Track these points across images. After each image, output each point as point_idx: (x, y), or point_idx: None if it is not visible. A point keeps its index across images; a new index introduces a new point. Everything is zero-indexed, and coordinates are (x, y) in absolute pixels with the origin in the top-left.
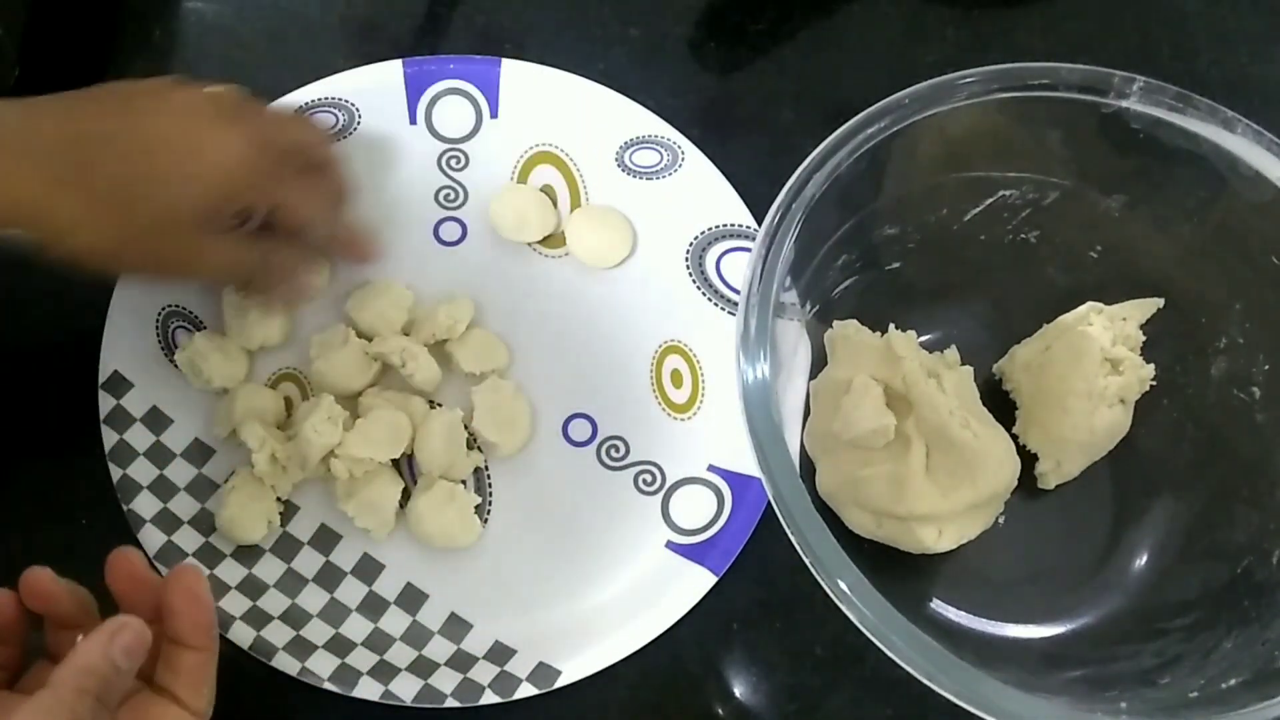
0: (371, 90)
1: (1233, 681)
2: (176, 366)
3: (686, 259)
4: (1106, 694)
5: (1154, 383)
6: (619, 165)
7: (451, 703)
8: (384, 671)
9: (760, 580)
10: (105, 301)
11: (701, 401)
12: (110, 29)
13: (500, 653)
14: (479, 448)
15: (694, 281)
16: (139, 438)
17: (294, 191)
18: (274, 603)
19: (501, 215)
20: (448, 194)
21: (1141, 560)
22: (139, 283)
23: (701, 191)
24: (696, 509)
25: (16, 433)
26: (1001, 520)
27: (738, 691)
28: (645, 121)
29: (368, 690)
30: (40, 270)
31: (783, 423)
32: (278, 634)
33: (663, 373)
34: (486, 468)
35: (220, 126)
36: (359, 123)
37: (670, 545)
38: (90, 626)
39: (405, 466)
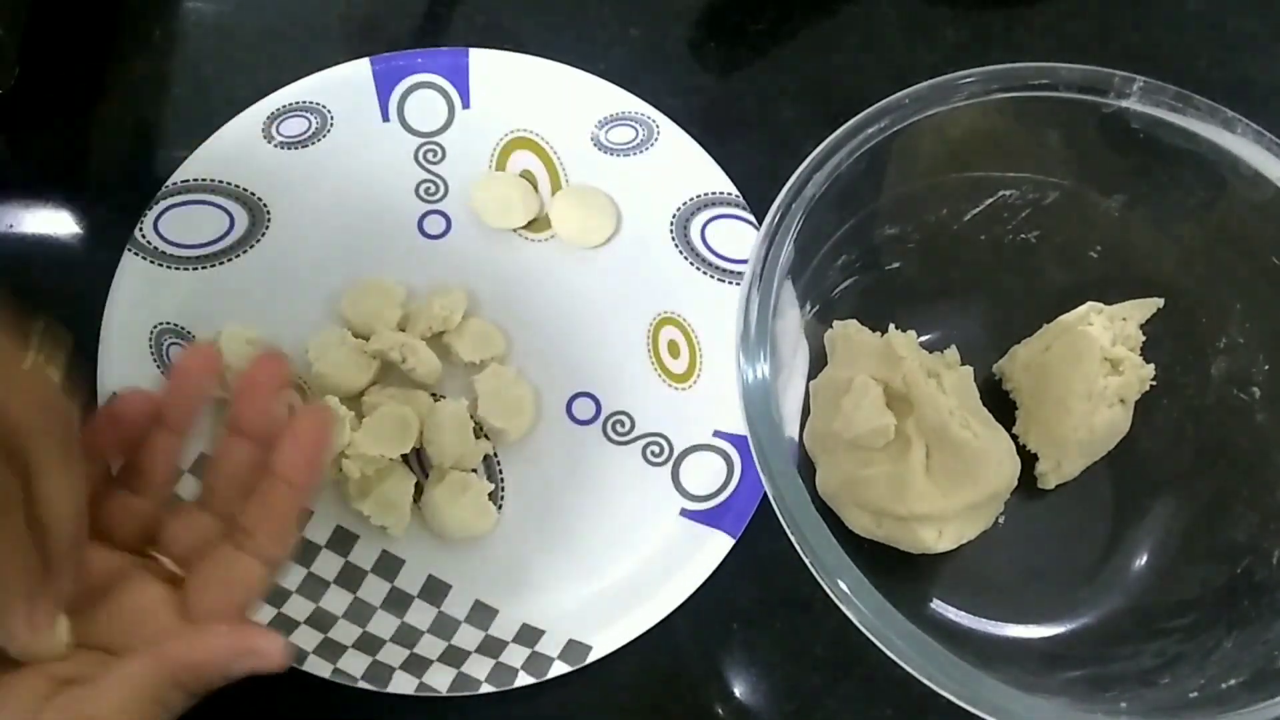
0: (341, 91)
1: (1233, 681)
2: None
3: (671, 230)
4: (1106, 694)
5: (1154, 383)
6: (595, 144)
7: (487, 688)
8: (416, 665)
9: (760, 580)
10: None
11: (700, 370)
12: (110, 29)
13: (529, 634)
14: (486, 435)
15: (681, 252)
16: None
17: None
18: (298, 608)
19: (484, 204)
20: (428, 188)
21: (1141, 560)
22: None
23: (680, 163)
24: (706, 475)
25: None
26: (1001, 520)
27: (738, 691)
28: (618, 99)
29: (402, 685)
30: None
31: (783, 423)
32: (306, 638)
33: (659, 345)
34: (496, 454)
35: None
36: (331, 124)
37: (685, 513)
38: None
39: (415, 461)
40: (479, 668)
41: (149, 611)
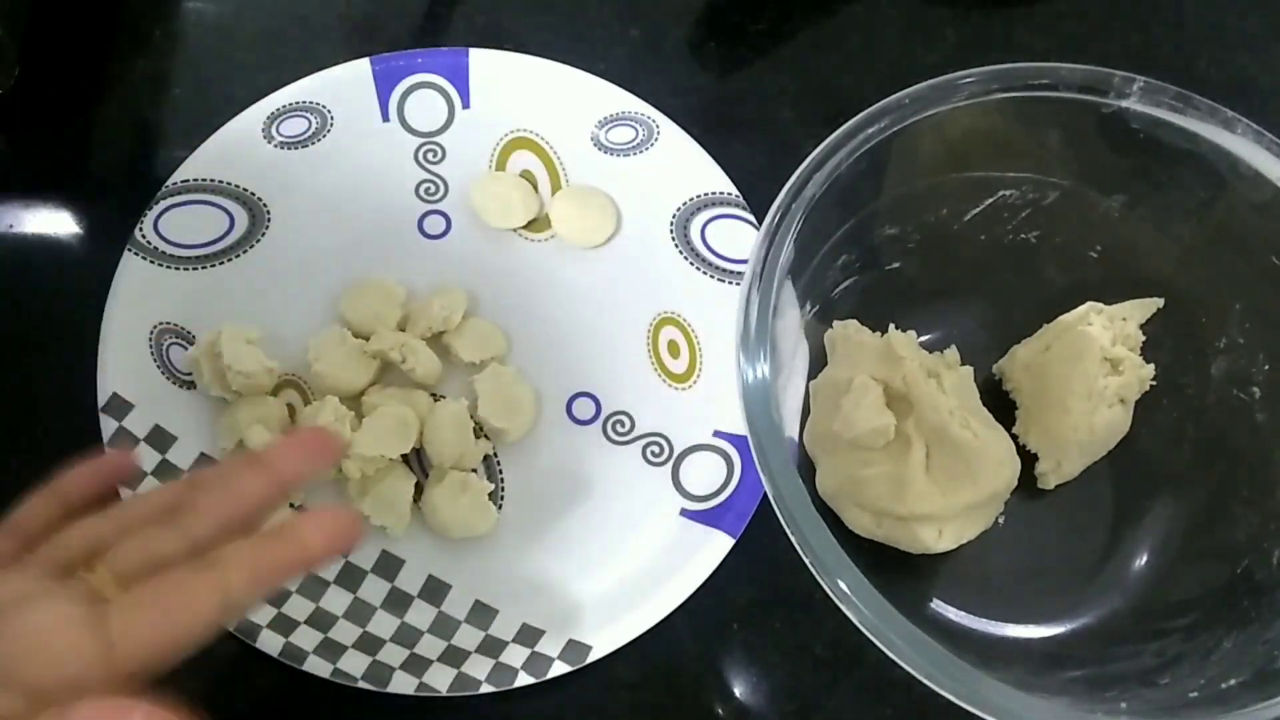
0: (341, 91)
1: (1233, 681)
2: (174, 384)
3: (671, 230)
4: (1106, 694)
5: (1154, 383)
6: (595, 144)
7: (487, 688)
8: (416, 665)
9: (760, 580)
10: (95, 321)
11: (700, 370)
12: (110, 29)
13: (529, 634)
14: (486, 435)
15: (681, 252)
16: (145, 457)
17: None
18: (299, 608)
19: (484, 204)
20: (428, 188)
21: (1141, 560)
22: None
23: (680, 163)
24: (706, 475)
25: (15, 433)
26: (1001, 520)
27: (737, 691)
28: (618, 99)
29: (402, 685)
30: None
31: (783, 423)
32: (306, 638)
33: (659, 345)
34: (495, 454)
35: None
36: (331, 124)
37: (685, 513)
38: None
39: (415, 461)
40: (479, 668)
41: (50, 632)
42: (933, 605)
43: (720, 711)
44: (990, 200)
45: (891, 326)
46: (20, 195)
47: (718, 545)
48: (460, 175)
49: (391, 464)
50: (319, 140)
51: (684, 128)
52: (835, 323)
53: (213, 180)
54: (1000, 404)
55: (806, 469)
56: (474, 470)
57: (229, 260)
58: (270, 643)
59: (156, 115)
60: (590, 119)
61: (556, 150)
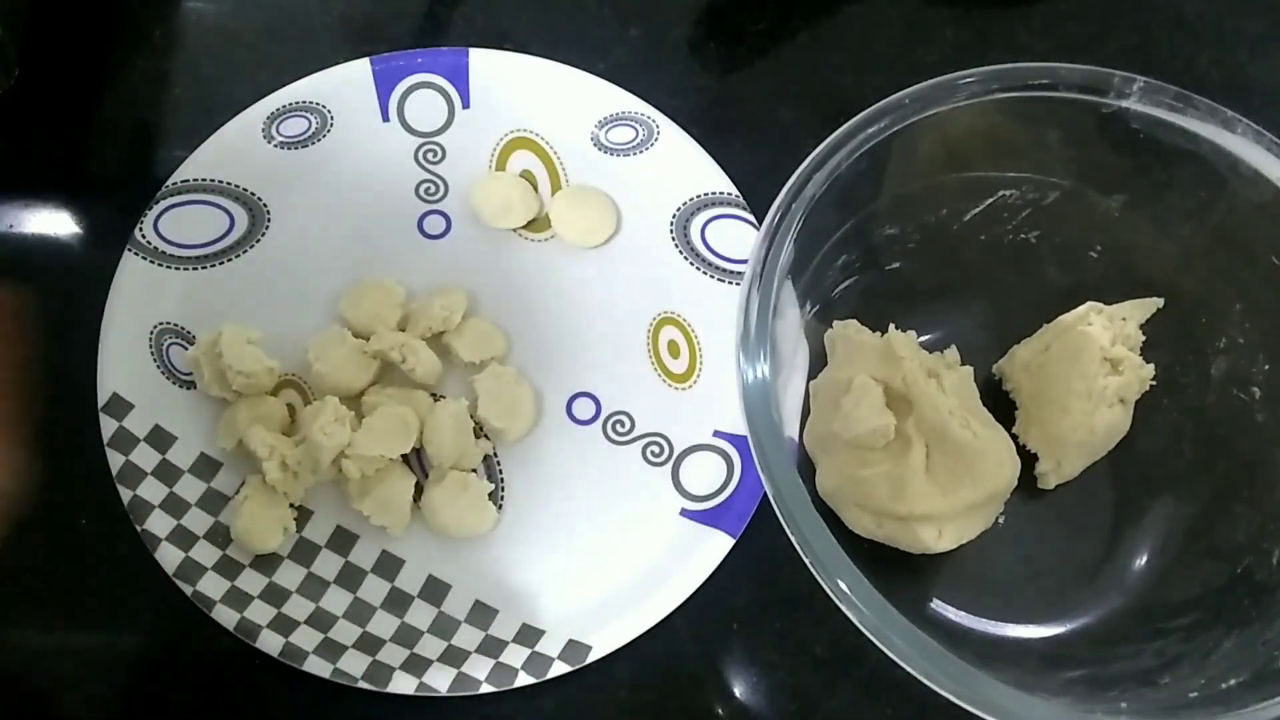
0: (341, 91)
1: (1233, 681)
2: (174, 384)
3: (671, 231)
4: (1106, 694)
5: (1154, 383)
6: (595, 145)
7: (487, 688)
8: (416, 665)
9: (760, 580)
10: (95, 321)
11: (700, 370)
12: (110, 29)
13: (529, 634)
14: (486, 435)
15: (681, 252)
16: (145, 458)
17: None
18: (299, 608)
19: (484, 204)
20: (428, 188)
21: (1141, 560)
22: None
23: (680, 163)
24: (706, 475)
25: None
26: (1001, 520)
27: (737, 691)
28: (618, 99)
29: (402, 685)
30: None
31: (783, 423)
32: (306, 638)
33: (659, 345)
34: (496, 454)
35: None
36: (331, 124)
37: (685, 513)
38: None
39: (415, 461)
40: (479, 668)
41: None
42: (933, 605)
43: (720, 711)
44: (990, 200)
45: (891, 326)
46: (20, 195)
47: (718, 545)
48: (460, 175)
49: (391, 464)
50: (319, 140)
51: (684, 128)
52: (835, 323)
53: (213, 180)
54: (1000, 404)
55: (806, 469)
56: (474, 470)
57: (229, 260)
58: (270, 643)
59: (156, 115)
60: (590, 119)
61: (556, 150)
